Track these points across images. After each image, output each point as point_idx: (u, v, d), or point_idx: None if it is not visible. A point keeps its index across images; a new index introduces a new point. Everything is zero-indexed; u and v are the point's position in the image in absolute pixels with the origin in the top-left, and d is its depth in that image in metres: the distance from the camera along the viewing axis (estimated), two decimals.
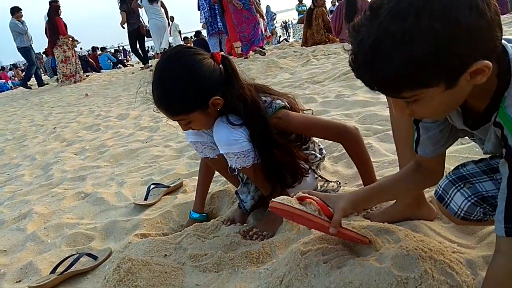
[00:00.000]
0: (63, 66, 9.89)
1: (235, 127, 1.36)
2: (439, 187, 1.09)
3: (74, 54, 10.07)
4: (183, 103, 1.33)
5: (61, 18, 9.84)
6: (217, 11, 8.72)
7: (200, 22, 9.91)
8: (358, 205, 1.14)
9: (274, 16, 17.28)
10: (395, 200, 1.41)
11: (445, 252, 1.08)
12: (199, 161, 2.49)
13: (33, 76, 11.91)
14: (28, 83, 12.06)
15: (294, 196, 1.08)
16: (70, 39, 9.90)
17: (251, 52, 8.28)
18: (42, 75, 14.37)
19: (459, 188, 1.04)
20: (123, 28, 10.24)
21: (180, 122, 1.40)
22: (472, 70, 0.72)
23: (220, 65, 1.37)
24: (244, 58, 7.99)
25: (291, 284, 1.09)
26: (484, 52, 0.72)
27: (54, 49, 9.81)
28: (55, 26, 9.65)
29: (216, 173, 1.82)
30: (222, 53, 1.49)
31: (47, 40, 10.06)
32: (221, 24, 8.86)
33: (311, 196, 1.08)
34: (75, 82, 10.03)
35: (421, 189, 1.28)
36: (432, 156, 1.03)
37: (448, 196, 1.05)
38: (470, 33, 0.69)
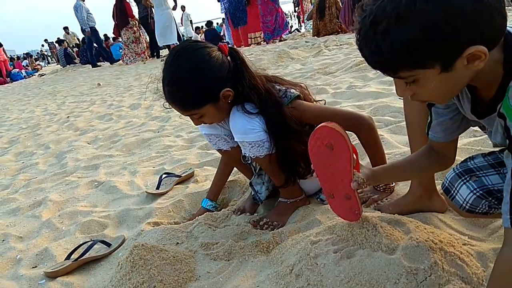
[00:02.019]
0: (134, 46, 11.04)
1: (252, 116, 1.36)
2: (446, 180, 1.09)
3: (141, 34, 11.17)
4: (194, 98, 1.34)
5: (129, 2, 10.78)
6: (242, 2, 9.22)
7: (221, 12, 10.12)
8: (377, 177, 1.15)
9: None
10: (406, 191, 1.41)
11: (456, 244, 1.09)
12: (210, 151, 2.53)
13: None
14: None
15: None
16: (137, 21, 10.85)
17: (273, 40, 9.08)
18: (55, 64, 14.55)
19: (465, 181, 1.04)
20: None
21: (192, 117, 1.40)
22: (468, 54, 0.73)
23: (228, 57, 1.38)
24: (267, 44, 8.75)
25: (301, 273, 1.10)
26: (482, 38, 0.73)
27: (122, 31, 10.82)
28: (124, 10, 10.64)
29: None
30: (229, 45, 1.49)
31: (113, 23, 11.07)
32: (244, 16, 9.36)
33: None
34: (146, 58, 11.15)
35: (432, 172, 1.29)
36: (442, 141, 1.04)
37: (454, 188, 1.06)
38: (464, 17, 0.70)
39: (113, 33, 11.90)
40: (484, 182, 1.02)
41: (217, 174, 1.83)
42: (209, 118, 1.41)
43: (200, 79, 1.31)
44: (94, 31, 12.15)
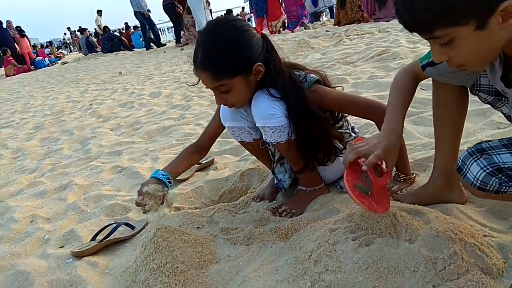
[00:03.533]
0: (193, 29, 11.08)
1: (275, 100, 1.36)
2: (459, 159, 1.09)
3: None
4: (229, 66, 1.31)
5: None
6: None
7: (244, 2, 10.36)
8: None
9: None
10: (425, 182, 1.41)
11: (476, 235, 1.09)
12: (230, 139, 2.55)
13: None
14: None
15: (346, 166, 1.11)
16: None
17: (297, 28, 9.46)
18: (77, 52, 14.78)
19: (476, 159, 1.04)
20: None
21: (219, 89, 1.35)
22: (502, 11, 0.76)
23: (261, 38, 1.38)
24: (291, 32, 9.16)
25: (320, 259, 1.12)
26: None
27: (183, 15, 11.08)
28: None
29: (246, 152, 1.84)
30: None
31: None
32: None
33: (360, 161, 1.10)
34: None
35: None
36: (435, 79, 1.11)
37: (465, 166, 1.05)
38: None
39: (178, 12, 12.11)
40: (495, 160, 1.02)
41: (183, 155, 1.66)
42: (236, 93, 1.36)
43: (238, 47, 1.31)
44: (144, 15, 12.37)
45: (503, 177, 1.01)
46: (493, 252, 1.05)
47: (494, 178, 1.01)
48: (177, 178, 2.02)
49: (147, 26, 12.63)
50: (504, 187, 1.02)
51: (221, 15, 1.67)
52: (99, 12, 17.25)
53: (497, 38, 0.81)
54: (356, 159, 1.11)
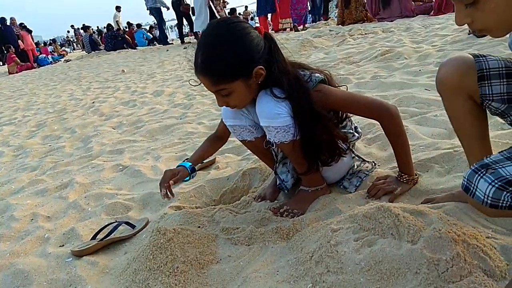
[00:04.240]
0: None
1: (279, 100, 1.34)
2: (464, 179, 1.06)
3: (225, 13, 11.63)
4: (228, 70, 1.30)
5: None
6: None
7: None
8: None
9: None
10: (429, 183, 1.39)
11: (479, 236, 1.07)
12: (231, 138, 2.53)
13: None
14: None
15: None
16: (221, 1, 11.31)
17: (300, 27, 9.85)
18: (79, 50, 14.80)
19: (481, 175, 1.00)
20: None
21: (220, 93, 1.35)
22: None
23: (263, 39, 1.36)
24: (295, 31, 9.52)
25: (321, 259, 1.11)
26: None
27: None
28: None
29: (248, 151, 1.83)
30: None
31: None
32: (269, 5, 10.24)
33: None
34: None
35: None
36: None
37: (472, 185, 1.02)
38: None
39: None
40: (502, 173, 0.98)
41: (203, 146, 1.74)
42: (237, 96, 1.36)
43: (237, 51, 1.29)
44: (159, 11, 12.55)
45: None
46: (496, 254, 1.04)
47: (505, 193, 0.98)
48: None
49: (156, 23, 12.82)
50: None
51: (223, 16, 1.62)
52: (118, 8, 17.22)
53: None
54: None
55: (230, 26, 1.32)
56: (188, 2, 11.18)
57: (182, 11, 11.53)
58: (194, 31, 11.12)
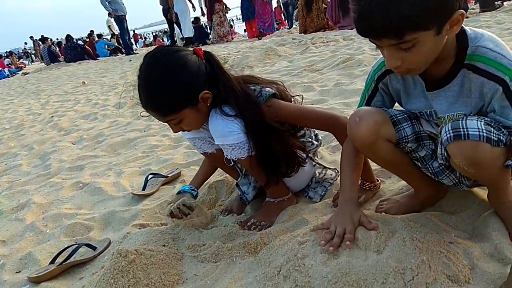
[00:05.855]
0: (218, 28, 11.67)
1: (230, 118, 1.34)
2: (448, 131, 1.00)
3: (226, 19, 11.93)
4: (172, 103, 1.30)
5: None
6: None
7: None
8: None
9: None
10: (393, 189, 1.41)
11: (442, 242, 1.09)
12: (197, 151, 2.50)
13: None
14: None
15: None
16: (224, 6, 11.50)
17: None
18: (38, 62, 14.28)
19: (465, 119, 0.99)
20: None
21: (171, 123, 1.37)
22: (454, 18, 0.89)
23: (204, 61, 1.36)
24: (259, 39, 10.19)
25: (289, 274, 1.10)
26: (459, 4, 0.89)
27: (214, 15, 11.46)
28: None
29: None
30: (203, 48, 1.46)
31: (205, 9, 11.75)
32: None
33: None
34: (227, 41, 11.68)
35: None
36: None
37: (461, 129, 0.98)
38: None
39: (207, 17, 12.23)
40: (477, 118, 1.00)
41: (202, 167, 1.76)
42: (189, 122, 1.38)
43: (177, 82, 1.29)
44: (121, 19, 12.35)
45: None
46: (459, 259, 1.05)
47: (490, 127, 0.97)
48: (141, 193, 1.99)
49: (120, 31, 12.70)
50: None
51: (158, 46, 1.55)
52: (110, 15, 16.73)
53: (442, 43, 0.94)
54: None
55: (167, 57, 1.31)
56: (175, 11, 11.35)
57: (169, 18, 11.77)
58: (184, 36, 11.55)
